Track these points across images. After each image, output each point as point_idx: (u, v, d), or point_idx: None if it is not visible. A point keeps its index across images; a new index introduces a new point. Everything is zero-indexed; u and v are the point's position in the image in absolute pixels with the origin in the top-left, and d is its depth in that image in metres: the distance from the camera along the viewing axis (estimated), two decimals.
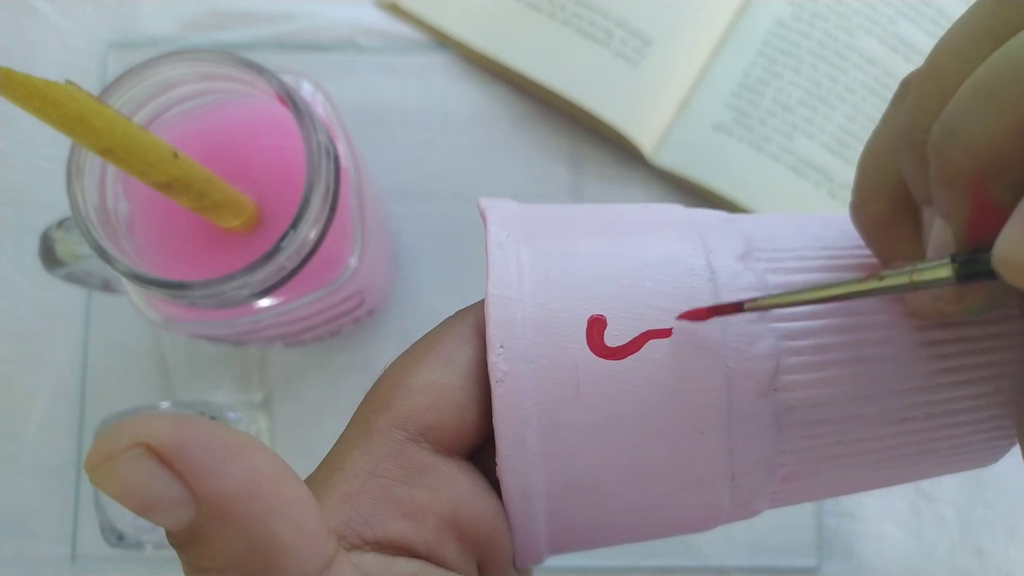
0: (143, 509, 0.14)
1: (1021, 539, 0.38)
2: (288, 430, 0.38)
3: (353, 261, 0.30)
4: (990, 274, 0.14)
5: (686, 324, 0.18)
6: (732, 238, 0.19)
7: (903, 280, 0.16)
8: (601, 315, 0.18)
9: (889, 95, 0.40)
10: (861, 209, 0.19)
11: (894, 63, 0.40)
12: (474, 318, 0.19)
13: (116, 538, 0.34)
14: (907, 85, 0.18)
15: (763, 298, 0.17)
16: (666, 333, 0.18)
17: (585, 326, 0.18)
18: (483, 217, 0.20)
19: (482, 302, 0.19)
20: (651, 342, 0.18)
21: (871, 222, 0.19)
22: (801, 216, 0.21)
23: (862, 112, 0.40)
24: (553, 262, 0.19)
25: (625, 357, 0.18)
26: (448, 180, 0.40)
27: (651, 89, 0.40)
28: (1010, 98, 0.14)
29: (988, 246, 0.14)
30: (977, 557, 0.38)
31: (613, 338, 0.18)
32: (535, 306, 0.18)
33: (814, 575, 0.37)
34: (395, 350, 0.42)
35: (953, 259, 0.15)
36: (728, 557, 0.37)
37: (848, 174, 0.40)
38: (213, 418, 0.35)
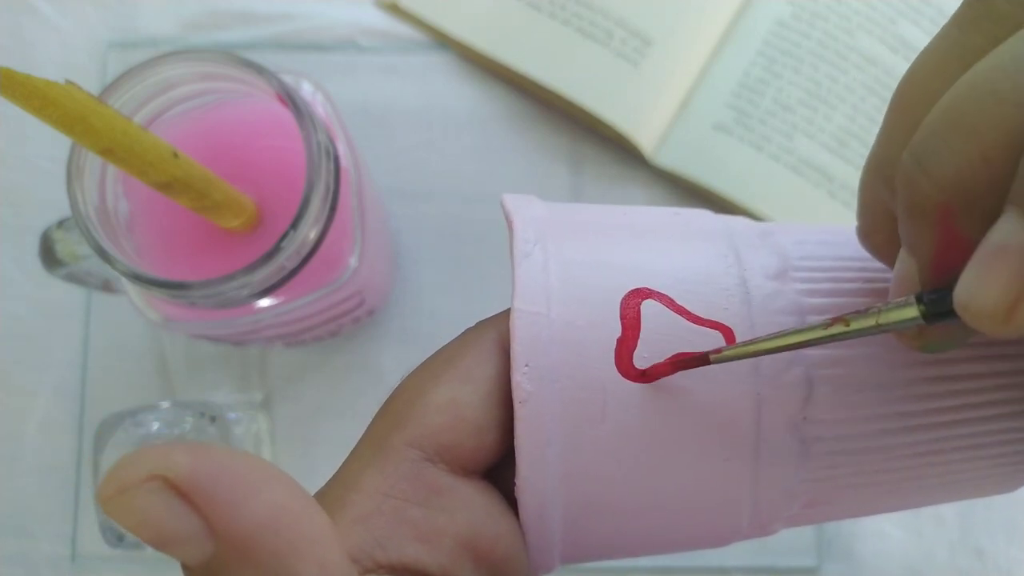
0: (158, 543, 0.13)
1: (1021, 539, 0.38)
2: (288, 430, 0.38)
3: (353, 261, 0.30)
4: (956, 313, 0.14)
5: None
6: (766, 254, 0.19)
7: (870, 323, 0.15)
8: (630, 335, 0.17)
9: (889, 95, 0.40)
10: (867, 239, 0.18)
11: (894, 63, 0.40)
12: (496, 333, 0.18)
13: (116, 538, 0.34)
14: None
15: (728, 349, 0.17)
16: (697, 356, 0.17)
17: (613, 346, 0.17)
18: (508, 220, 0.19)
19: (503, 314, 0.18)
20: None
21: (879, 251, 0.18)
22: (837, 230, 0.21)
23: (862, 112, 0.40)
24: (582, 275, 0.18)
25: (654, 380, 0.17)
26: (448, 180, 0.40)
27: (651, 89, 0.40)
28: (976, 126, 0.14)
29: (953, 283, 0.14)
30: (977, 557, 0.38)
31: (642, 360, 0.17)
32: (562, 323, 0.17)
33: (814, 575, 0.37)
34: (395, 350, 0.42)
35: (919, 299, 0.15)
36: (728, 557, 0.37)
37: (848, 174, 0.40)
38: (213, 419, 0.35)
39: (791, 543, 0.38)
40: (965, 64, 0.15)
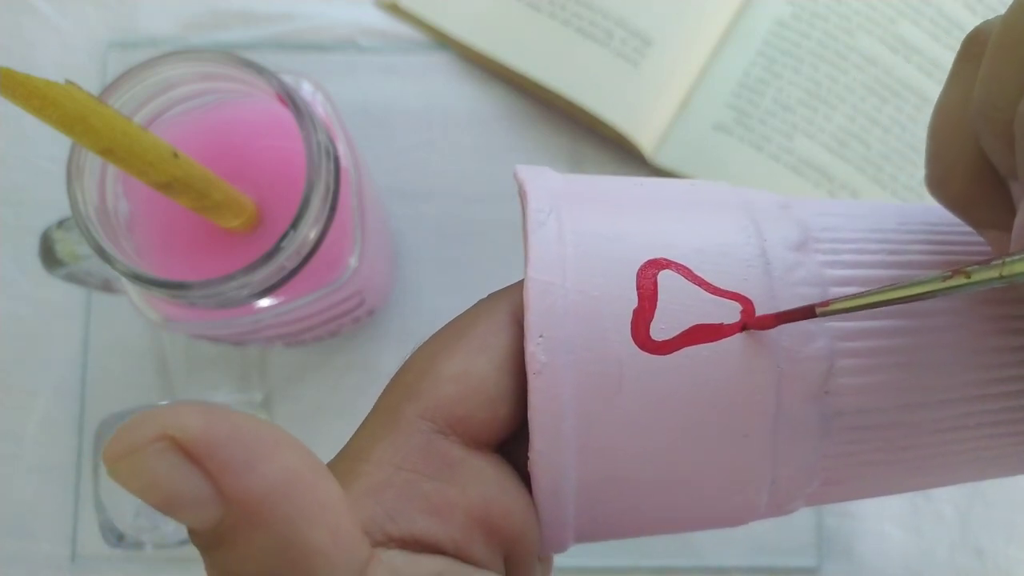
0: (166, 506, 0.13)
1: (1021, 539, 0.38)
2: (288, 430, 0.38)
3: (353, 261, 0.30)
4: None
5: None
6: (787, 225, 0.18)
7: (993, 274, 0.14)
8: (647, 306, 0.17)
9: (889, 95, 0.40)
10: (940, 188, 0.18)
11: (894, 63, 0.40)
12: (510, 303, 0.18)
13: (116, 538, 0.34)
14: (975, 43, 0.16)
15: (837, 300, 0.16)
16: (715, 329, 0.17)
17: (630, 317, 0.17)
18: (522, 190, 0.19)
19: (517, 285, 0.18)
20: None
21: (955, 200, 0.17)
22: (859, 204, 0.20)
23: (862, 112, 0.40)
24: (598, 245, 0.17)
25: (671, 352, 0.17)
26: (448, 180, 0.40)
27: (651, 89, 0.40)
28: None
29: None
30: (977, 557, 0.38)
31: (660, 331, 0.17)
32: (577, 293, 0.17)
33: (814, 575, 0.37)
34: (395, 350, 0.42)
35: None
36: (728, 557, 0.37)
37: (848, 174, 0.40)
38: None
39: (791, 543, 0.38)
40: None
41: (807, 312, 0.16)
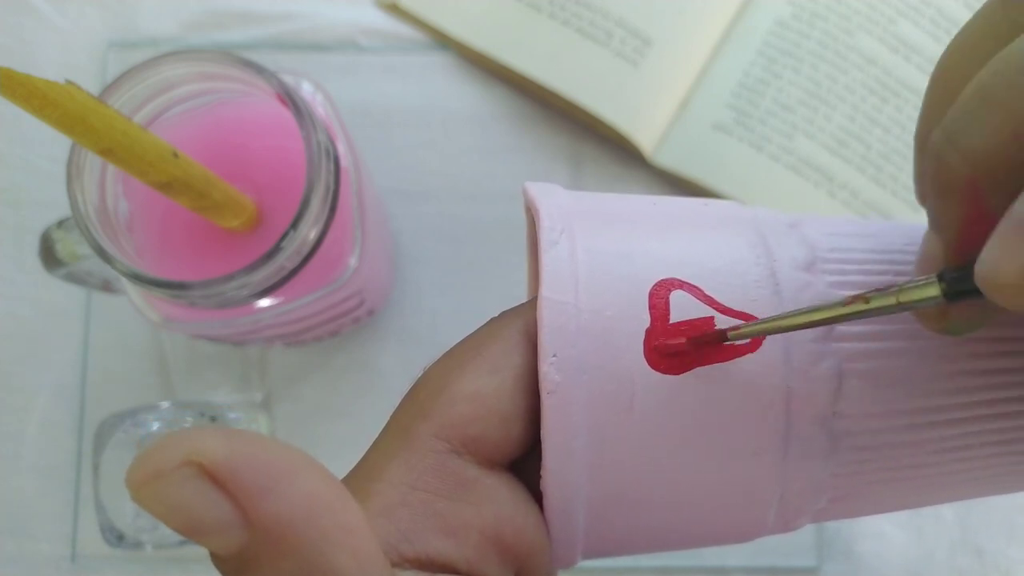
0: (191, 532, 0.13)
1: (1021, 539, 0.38)
2: (288, 430, 0.38)
3: (353, 261, 0.30)
4: (979, 291, 0.14)
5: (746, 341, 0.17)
6: (795, 245, 0.19)
7: (890, 301, 0.15)
8: (659, 326, 0.17)
9: (889, 95, 0.40)
10: (915, 182, 0.18)
11: (894, 63, 0.40)
12: (522, 323, 0.18)
13: (116, 538, 0.34)
14: None
15: (746, 326, 0.17)
16: (727, 349, 0.17)
17: (642, 336, 0.17)
18: (533, 208, 0.19)
19: (529, 304, 0.18)
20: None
21: (919, 198, 0.18)
22: (866, 223, 0.21)
23: (862, 112, 0.40)
24: (610, 264, 0.18)
25: (683, 372, 0.17)
26: (448, 180, 0.40)
27: (651, 89, 0.40)
28: (1009, 101, 0.14)
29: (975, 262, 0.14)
30: (977, 557, 0.38)
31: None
32: (590, 312, 0.17)
33: (814, 575, 0.37)
34: (395, 350, 0.42)
35: (940, 277, 0.14)
36: (728, 557, 0.37)
37: (848, 174, 0.40)
38: (213, 419, 0.35)
39: (791, 543, 0.38)
40: (1002, 38, 0.14)
41: (720, 335, 0.17)
